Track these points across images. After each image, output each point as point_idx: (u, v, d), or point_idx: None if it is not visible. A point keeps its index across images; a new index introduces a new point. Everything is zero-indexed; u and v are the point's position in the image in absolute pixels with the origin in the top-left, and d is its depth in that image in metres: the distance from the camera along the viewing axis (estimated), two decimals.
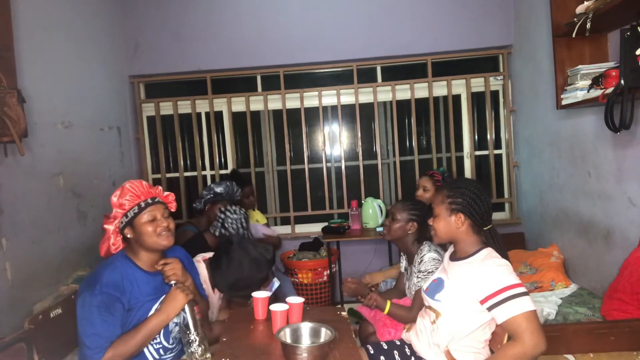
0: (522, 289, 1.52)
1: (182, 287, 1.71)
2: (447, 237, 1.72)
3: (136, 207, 1.69)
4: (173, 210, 1.82)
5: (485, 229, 1.71)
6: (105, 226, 1.70)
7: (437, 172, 3.08)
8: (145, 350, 1.71)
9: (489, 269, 1.57)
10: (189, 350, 1.66)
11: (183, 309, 1.69)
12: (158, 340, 1.74)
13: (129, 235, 1.70)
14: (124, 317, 1.63)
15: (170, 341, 1.79)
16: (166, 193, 1.83)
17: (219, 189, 2.91)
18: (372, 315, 2.29)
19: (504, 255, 1.68)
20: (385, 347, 1.91)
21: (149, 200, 1.72)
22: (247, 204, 3.49)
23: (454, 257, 1.75)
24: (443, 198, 1.71)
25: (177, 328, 1.79)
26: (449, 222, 1.68)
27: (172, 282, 1.73)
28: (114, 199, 1.70)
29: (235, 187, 3.10)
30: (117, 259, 1.70)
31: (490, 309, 1.54)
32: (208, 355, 1.68)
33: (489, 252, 1.65)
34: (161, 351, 1.76)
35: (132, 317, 1.65)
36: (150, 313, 1.69)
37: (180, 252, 1.92)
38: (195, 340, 1.67)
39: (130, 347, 1.60)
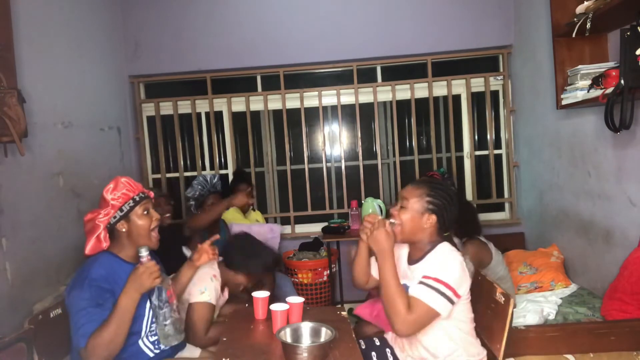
0: (449, 292, 1.57)
1: (152, 270, 1.63)
2: (409, 233, 1.70)
3: (131, 201, 1.74)
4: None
5: (445, 234, 1.75)
6: (98, 222, 1.69)
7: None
8: (142, 344, 1.72)
9: (448, 259, 1.63)
10: (162, 332, 1.66)
11: (155, 292, 1.65)
12: (154, 332, 1.75)
13: (123, 229, 1.72)
14: None
15: None
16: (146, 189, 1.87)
17: (196, 193, 3.04)
18: (374, 315, 2.29)
19: None
20: (378, 343, 1.91)
21: (142, 195, 1.78)
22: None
23: (412, 261, 1.75)
24: (422, 195, 1.69)
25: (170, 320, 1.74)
26: (418, 220, 1.68)
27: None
28: (108, 194, 1.71)
29: (210, 178, 3.21)
30: (102, 255, 1.72)
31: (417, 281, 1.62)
32: (180, 336, 1.70)
33: (447, 245, 1.69)
34: (157, 343, 1.77)
35: None
36: (137, 303, 1.65)
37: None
38: (168, 322, 1.66)
39: (106, 332, 1.54)
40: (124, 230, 1.73)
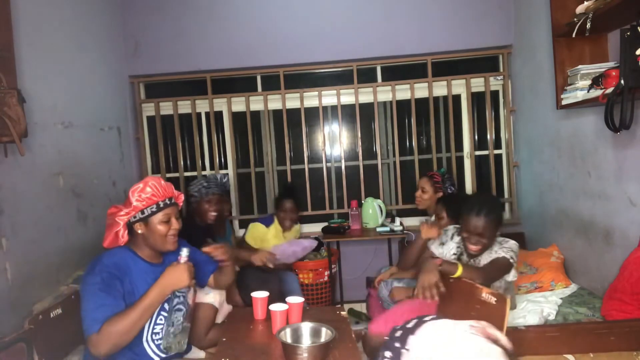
0: None
1: (191, 269, 1.68)
2: None
3: (154, 206, 1.73)
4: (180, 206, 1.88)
5: None
6: (117, 219, 1.70)
7: (437, 174, 3.06)
8: (147, 347, 1.71)
9: None
10: (170, 335, 1.68)
11: (184, 294, 1.69)
12: (160, 335, 1.73)
13: (139, 231, 1.73)
14: (124, 297, 1.64)
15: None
16: (177, 192, 1.85)
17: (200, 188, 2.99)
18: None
19: None
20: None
21: (167, 201, 1.76)
22: (285, 222, 3.34)
23: None
24: None
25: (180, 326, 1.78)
26: None
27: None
28: (134, 194, 1.71)
29: (220, 177, 3.16)
30: (119, 249, 1.74)
31: None
32: (181, 346, 1.72)
33: None
34: (162, 347, 1.76)
35: (131, 302, 1.65)
36: (164, 300, 1.69)
37: (183, 244, 1.93)
38: (180, 326, 1.69)
39: (126, 321, 1.56)
40: (140, 231, 1.74)
